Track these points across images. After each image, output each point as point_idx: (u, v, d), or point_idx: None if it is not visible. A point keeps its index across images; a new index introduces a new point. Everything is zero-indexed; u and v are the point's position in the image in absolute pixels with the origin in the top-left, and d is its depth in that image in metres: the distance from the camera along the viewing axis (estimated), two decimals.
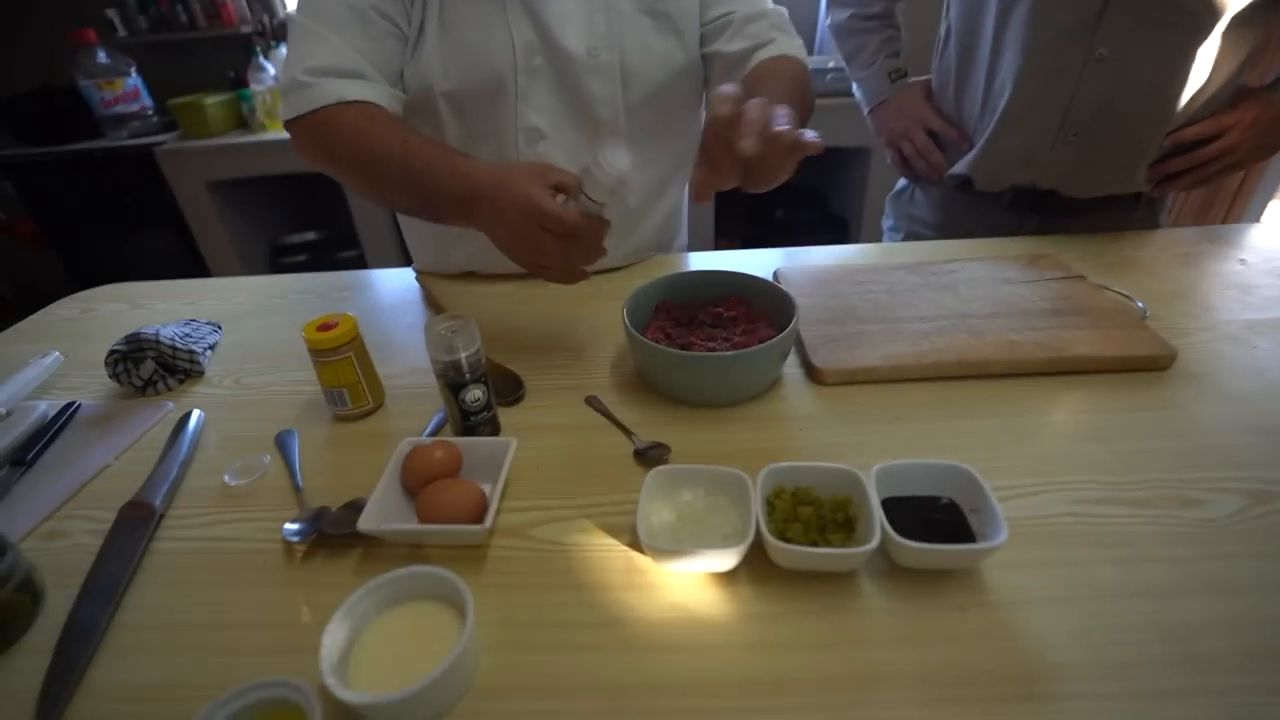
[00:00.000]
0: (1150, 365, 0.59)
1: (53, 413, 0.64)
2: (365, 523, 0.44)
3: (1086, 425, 0.54)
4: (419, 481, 0.48)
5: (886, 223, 1.08)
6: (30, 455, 0.59)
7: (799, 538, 0.41)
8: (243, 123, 2.07)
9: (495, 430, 0.55)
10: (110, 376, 0.66)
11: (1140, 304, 0.68)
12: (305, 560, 0.47)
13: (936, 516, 0.43)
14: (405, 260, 0.96)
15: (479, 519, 0.45)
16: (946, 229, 0.97)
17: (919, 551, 0.38)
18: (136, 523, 0.50)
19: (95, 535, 0.49)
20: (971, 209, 0.93)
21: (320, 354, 0.57)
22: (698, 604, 0.41)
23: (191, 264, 2.13)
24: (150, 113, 2.04)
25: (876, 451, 0.52)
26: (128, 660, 0.41)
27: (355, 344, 0.58)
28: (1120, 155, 0.82)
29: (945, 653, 0.37)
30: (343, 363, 0.58)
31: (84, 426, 0.64)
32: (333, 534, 0.46)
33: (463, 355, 0.50)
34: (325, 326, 0.57)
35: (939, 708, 0.35)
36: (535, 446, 0.55)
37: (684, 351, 0.56)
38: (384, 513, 0.46)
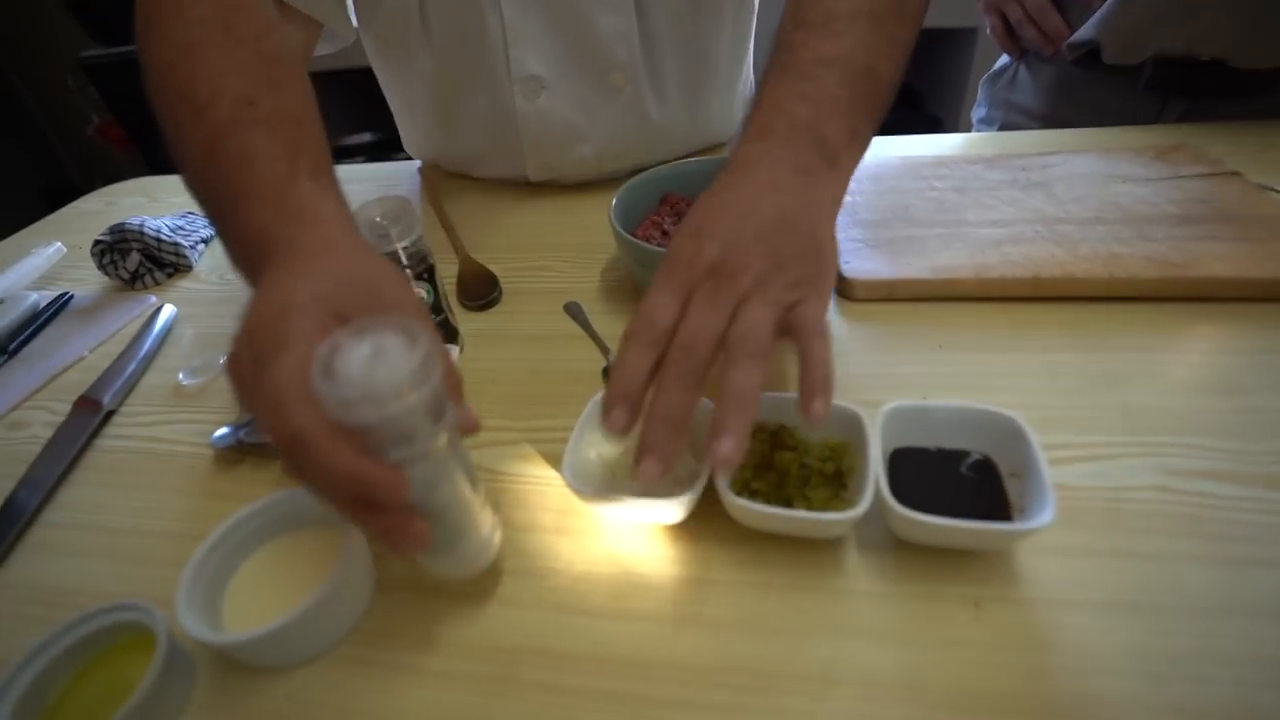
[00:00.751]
0: None
1: (44, 303, 0.63)
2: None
3: (1207, 370, 0.40)
4: None
5: (977, 113, 0.88)
6: (14, 344, 0.58)
7: (769, 491, 0.32)
8: None
9: (450, 337, 0.48)
10: (99, 268, 0.65)
11: None
12: (232, 468, 0.43)
13: (963, 476, 0.33)
14: None
15: None
16: (1056, 119, 0.76)
17: (923, 525, 0.28)
18: (83, 417, 0.48)
19: (51, 428, 0.48)
20: (1093, 92, 0.72)
21: None
22: (634, 560, 0.33)
23: None
24: None
25: (905, 387, 0.41)
26: (42, 559, 0.39)
27: None
28: None
29: (944, 661, 0.28)
30: None
31: (73, 318, 0.62)
32: (248, 443, 0.41)
33: (399, 246, 0.43)
34: None
35: None
36: (496, 358, 0.48)
37: None
38: None
